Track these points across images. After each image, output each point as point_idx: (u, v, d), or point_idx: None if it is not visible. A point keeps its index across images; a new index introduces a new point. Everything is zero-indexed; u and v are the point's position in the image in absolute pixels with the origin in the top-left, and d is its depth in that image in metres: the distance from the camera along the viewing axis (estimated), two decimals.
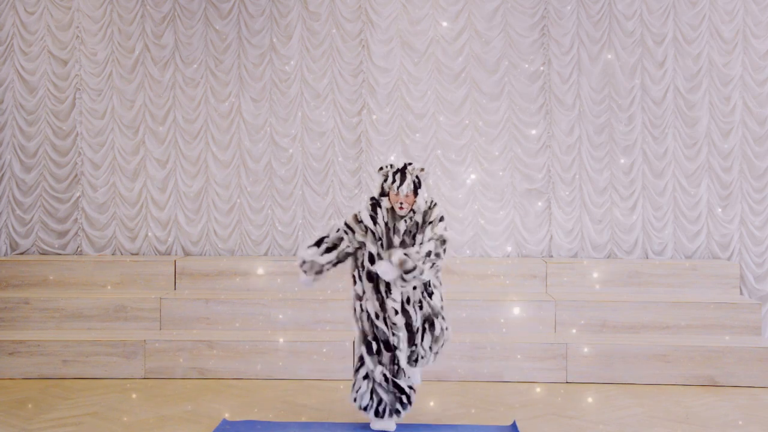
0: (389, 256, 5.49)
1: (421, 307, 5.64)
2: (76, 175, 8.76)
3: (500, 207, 8.64)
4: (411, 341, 5.62)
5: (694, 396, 6.76)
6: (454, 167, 8.64)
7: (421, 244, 5.54)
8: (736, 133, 8.51)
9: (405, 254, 5.41)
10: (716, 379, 7.06)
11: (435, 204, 5.68)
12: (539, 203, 8.62)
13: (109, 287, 8.15)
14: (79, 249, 8.75)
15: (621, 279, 8.14)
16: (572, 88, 8.59)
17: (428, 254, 5.43)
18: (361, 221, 5.65)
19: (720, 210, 8.50)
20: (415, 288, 5.59)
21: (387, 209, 5.67)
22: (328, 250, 5.66)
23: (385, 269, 5.43)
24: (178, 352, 7.22)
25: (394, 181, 5.60)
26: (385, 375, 5.59)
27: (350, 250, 5.68)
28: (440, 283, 5.77)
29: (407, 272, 5.38)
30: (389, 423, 5.71)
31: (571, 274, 8.15)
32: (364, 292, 5.65)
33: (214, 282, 8.18)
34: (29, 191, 8.75)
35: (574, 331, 7.56)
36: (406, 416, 5.95)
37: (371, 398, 5.67)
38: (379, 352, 5.61)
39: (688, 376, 7.08)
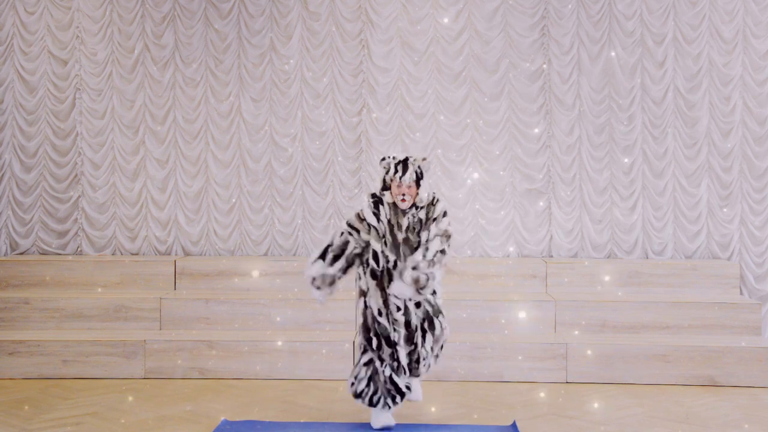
0: (400, 275, 5.46)
1: (419, 305, 5.64)
2: (76, 175, 8.76)
3: (500, 207, 8.64)
4: (410, 340, 5.62)
5: (694, 396, 6.76)
6: (454, 167, 8.64)
7: (426, 242, 5.54)
8: (736, 133, 8.51)
9: (414, 268, 5.41)
10: (716, 379, 7.06)
11: (438, 200, 5.69)
12: (540, 203, 8.62)
13: (109, 287, 8.15)
14: (79, 249, 8.75)
15: (621, 279, 8.14)
16: (572, 88, 8.59)
17: (436, 254, 5.46)
18: (364, 219, 5.64)
19: (726, 210, 8.48)
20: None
21: (389, 204, 5.66)
22: (336, 258, 5.61)
23: (400, 290, 5.46)
24: (178, 352, 7.22)
25: (396, 171, 5.60)
26: (384, 370, 5.62)
27: (358, 250, 5.66)
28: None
29: (422, 288, 5.42)
30: (388, 418, 5.72)
31: (571, 274, 8.15)
32: (368, 289, 5.64)
33: (214, 282, 8.18)
34: (29, 191, 8.75)
35: (575, 332, 7.56)
36: (407, 416, 5.96)
37: (367, 385, 5.68)
38: (379, 347, 5.63)
39: (688, 376, 7.08)
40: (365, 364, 5.69)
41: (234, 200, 8.76)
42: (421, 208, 5.66)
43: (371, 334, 5.65)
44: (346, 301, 7.50)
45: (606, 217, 8.60)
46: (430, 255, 5.47)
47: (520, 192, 8.64)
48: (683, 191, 8.55)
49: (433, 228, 5.60)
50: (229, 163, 8.76)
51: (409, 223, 5.63)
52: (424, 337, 5.67)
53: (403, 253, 5.60)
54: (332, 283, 5.62)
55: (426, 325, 5.68)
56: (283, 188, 8.74)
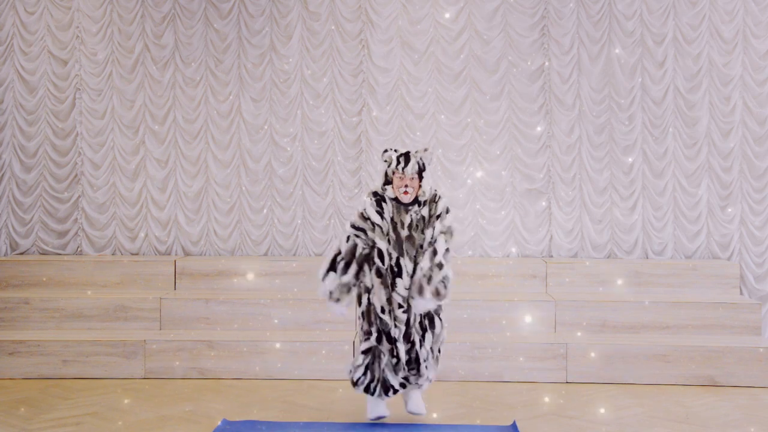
0: (417, 291, 5.48)
1: None
2: (76, 175, 8.76)
3: (500, 207, 8.64)
4: (407, 337, 5.62)
5: (694, 396, 6.76)
6: (455, 167, 8.64)
7: (432, 239, 5.57)
8: (736, 133, 8.51)
9: (428, 278, 5.45)
10: (716, 379, 7.06)
11: (440, 197, 5.69)
12: (541, 203, 8.62)
13: (109, 287, 8.15)
14: (79, 249, 8.75)
15: (621, 279, 8.13)
16: (572, 88, 8.59)
17: (445, 255, 5.54)
18: (368, 218, 5.63)
19: (730, 209, 8.48)
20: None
21: (391, 200, 5.65)
22: (347, 265, 5.60)
23: (424, 306, 5.53)
24: (178, 352, 7.22)
25: (398, 163, 5.60)
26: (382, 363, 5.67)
27: (366, 251, 5.64)
28: None
29: (444, 297, 5.51)
30: (382, 409, 5.76)
31: (571, 274, 8.15)
32: (372, 286, 5.64)
33: (213, 282, 8.18)
34: (29, 191, 8.75)
35: (575, 332, 7.55)
36: (407, 416, 5.96)
37: (364, 374, 5.70)
38: (379, 341, 5.64)
39: (688, 376, 7.08)
40: (363, 352, 5.72)
41: (234, 200, 8.76)
42: (424, 205, 5.66)
43: (372, 329, 5.66)
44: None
45: (606, 217, 8.60)
46: (439, 258, 5.51)
47: (520, 192, 8.64)
48: (683, 191, 8.55)
49: (438, 225, 5.62)
50: (229, 163, 8.76)
51: (412, 220, 5.62)
52: (423, 336, 5.66)
53: (407, 251, 5.60)
54: (349, 290, 5.60)
55: (426, 323, 5.68)
56: (283, 188, 8.74)
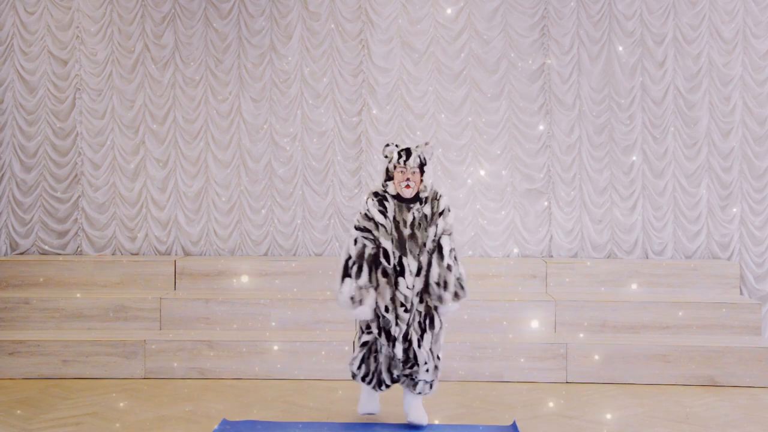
0: (438, 301, 5.60)
1: (421, 300, 5.65)
2: (76, 175, 8.76)
3: (500, 207, 8.64)
4: (405, 337, 5.64)
5: (694, 396, 6.76)
6: (455, 167, 8.64)
7: (435, 237, 5.61)
8: (736, 133, 8.51)
9: (438, 284, 5.55)
10: (716, 379, 7.06)
11: (441, 195, 5.70)
12: (542, 203, 8.61)
13: (109, 287, 8.15)
14: (79, 249, 8.75)
15: (621, 279, 8.14)
16: (572, 88, 8.59)
17: (452, 255, 5.63)
18: (371, 218, 5.62)
19: (726, 210, 8.48)
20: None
21: (393, 199, 5.64)
22: (360, 268, 5.57)
23: (449, 312, 5.67)
24: (178, 352, 7.22)
25: (400, 156, 5.60)
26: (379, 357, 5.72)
27: (374, 251, 5.62)
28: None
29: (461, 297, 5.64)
30: (374, 406, 5.86)
31: (571, 274, 8.15)
32: (377, 285, 5.64)
33: (213, 282, 8.18)
34: (29, 191, 8.74)
35: (575, 332, 7.55)
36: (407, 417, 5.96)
37: (359, 367, 5.76)
38: (379, 336, 5.67)
39: (688, 376, 7.08)
40: (361, 345, 5.78)
41: (234, 200, 8.76)
42: (425, 202, 5.66)
43: (373, 325, 5.66)
44: None
45: (606, 217, 8.60)
46: (447, 260, 5.58)
47: (521, 192, 8.64)
48: (683, 191, 8.55)
49: (440, 222, 5.63)
50: (229, 163, 8.76)
51: (414, 218, 5.62)
52: (422, 336, 5.65)
53: (410, 250, 5.59)
54: (368, 291, 5.57)
55: (427, 322, 5.68)
56: (283, 188, 8.74)
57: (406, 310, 5.59)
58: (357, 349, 5.82)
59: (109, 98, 8.75)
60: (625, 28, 8.53)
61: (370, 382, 5.78)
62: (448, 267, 5.58)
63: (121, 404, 6.42)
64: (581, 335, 7.46)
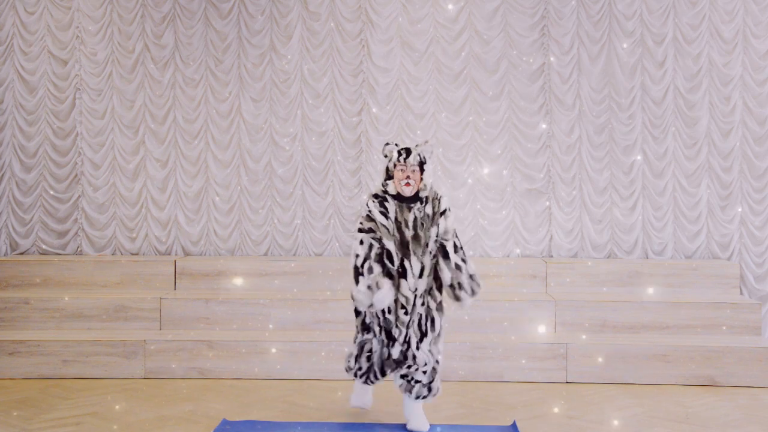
0: (455, 300, 5.68)
1: (423, 302, 5.64)
2: (76, 175, 8.76)
3: (501, 207, 8.64)
4: (404, 338, 5.63)
5: (694, 396, 6.76)
6: (455, 167, 8.64)
7: (438, 237, 5.63)
8: (736, 133, 8.50)
9: (452, 287, 5.63)
10: (716, 379, 7.06)
11: (441, 196, 5.72)
12: (543, 203, 8.61)
13: (109, 287, 8.15)
14: (79, 249, 8.75)
15: (621, 279, 8.14)
16: (572, 88, 8.59)
17: (461, 253, 5.68)
18: (373, 219, 5.61)
19: (739, 209, 8.47)
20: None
21: (393, 199, 5.64)
22: (371, 265, 5.51)
23: (469, 305, 5.75)
24: (178, 352, 7.22)
25: (400, 155, 5.61)
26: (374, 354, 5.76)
27: (380, 251, 5.59)
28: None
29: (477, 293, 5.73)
30: (366, 400, 5.91)
31: (571, 274, 8.15)
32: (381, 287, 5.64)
33: (213, 282, 8.18)
34: (29, 191, 8.74)
35: (575, 332, 7.55)
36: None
37: (354, 362, 5.81)
38: (378, 334, 5.68)
39: (688, 376, 7.08)
40: (358, 344, 5.82)
41: (234, 200, 8.76)
42: (426, 202, 5.66)
43: (374, 322, 5.66)
44: (346, 301, 7.48)
45: (606, 217, 8.60)
46: (455, 260, 5.63)
47: (521, 192, 8.64)
48: (683, 191, 8.55)
49: (442, 222, 5.64)
50: (229, 163, 8.76)
51: (416, 218, 5.62)
52: (421, 339, 5.63)
53: (414, 251, 5.58)
54: (382, 276, 5.50)
55: (428, 325, 5.66)
56: (283, 188, 8.74)
57: (405, 313, 5.59)
58: (353, 346, 5.85)
59: (109, 98, 8.75)
60: (625, 28, 8.53)
61: (361, 377, 5.84)
62: (457, 267, 5.63)
63: (121, 404, 6.42)
64: (581, 335, 7.46)
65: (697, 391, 6.91)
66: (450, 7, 8.60)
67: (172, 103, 8.75)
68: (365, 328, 5.75)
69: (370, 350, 5.75)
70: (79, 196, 8.76)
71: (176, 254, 8.73)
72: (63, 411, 6.24)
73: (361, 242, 5.56)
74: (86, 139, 8.75)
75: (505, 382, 7.10)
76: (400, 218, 5.61)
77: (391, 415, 6.07)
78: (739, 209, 8.50)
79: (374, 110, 8.65)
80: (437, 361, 5.72)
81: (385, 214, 5.61)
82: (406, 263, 5.56)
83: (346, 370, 5.94)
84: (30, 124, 8.74)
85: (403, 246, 5.58)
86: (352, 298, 5.58)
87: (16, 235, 8.72)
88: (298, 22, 8.70)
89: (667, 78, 8.53)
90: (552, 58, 8.58)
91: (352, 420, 5.99)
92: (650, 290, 8.05)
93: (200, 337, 7.34)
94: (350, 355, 5.88)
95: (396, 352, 5.62)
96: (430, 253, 5.64)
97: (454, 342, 7.03)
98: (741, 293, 8.27)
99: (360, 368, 5.80)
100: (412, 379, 5.66)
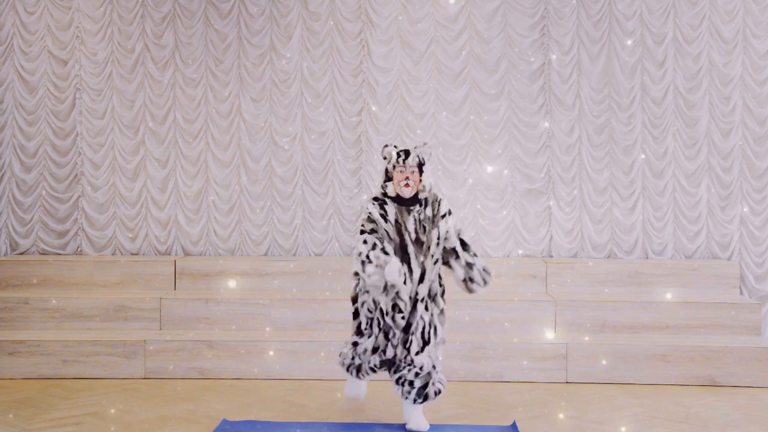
0: (469, 292, 5.82)
1: (427, 308, 5.62)
2: (76, 175, 8.76)
3: (501, 207, 8.64)
4: (404, 343, 5.60)
5: (694, 396, 6.76)
6: (455, 167, 8.64)
7: (439, 238, 5.62)
8: (736, 133, 8.50)
9: (464, 281, 5.73)
10: (716, 379, 7.06)
11: (441, 199, 5.72)
12: (543, 203, 8.61)
13: (109, 287, 8.15)
14: (79, 249, 8.75)
15: (621, 279, 8.13)
16: (572, 88, 8.59)
17: (467, 249, 5.77)
18: (374, 221, 5.60)
19: (726, 210, 8.48)
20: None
21: (393, 202, 5.63)
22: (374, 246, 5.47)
23: (482, 291, 5.87)
24: (178, 352, 7.22)
25: (399, 156, 5.61)
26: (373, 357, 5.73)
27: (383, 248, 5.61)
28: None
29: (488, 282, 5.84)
30: (360, 391, 5.90)
31: (571, 274, 8.15)
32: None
33: (213, 282, 8.18)
34: (29, 191, 8.75)
35: (576, 332, 7.55)
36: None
37: (350, 358, 5.80)
38: (376, 336, 5.65)
39: (688, 376, 7.08)
40: (352, 344, 5.79)
41: (234, 200, 8.76)
42: (426, 205, 5.65)
43: (373, 323, 5.65)
44: (346, 301, 7.47)
45: (606, 217, 8.60)
46: (465, 258, 5.73)
47: (521, 192, 8.64)
48: (683, 191, 8.55)
49: (442, 224, 5.63)
50: (229, 163, 8.76)
51: (416, 221, 5.61)
52: (423, 348, 5.59)
53: (415, 255, 5.55)
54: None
55: (430, 332, 5.62)
56: (283, 188, 8.74)
57: (403, 317, 5.57)
58: (347, 345, 5.83)
59: (109, 98, 8.76)
60: (625, 28, 8.53)
61: (356, 373, 5.80)
62: (468, 264, 5.71)
63: (121, 404, 6.42)
64: (581, 335, 7.46)
65: (697, 391, 6.91)
66: (451, 1, 8.60)
67: (172, 103, 8.75)
68: (359, 332, 5.72)
69: (365, 350, 5.72)
70: (79, 196, 8.76)
71: (176, 254, 8.73)
72: (63, 411, 6.24)
73: (365, 242, 5.51)
74: (86, 139, 8.75)
75: (505, 382, 7.10)
76: (399, 221, 5.60)
77: (391, 415, 6.07)
78: (739, 209, 8.50)
79: (374, 110, 8.65)
80: (434, 366, 5.64)
81: (384, 217, 5.60)
82: (405, 268, 5.53)
83: (340, 365, 5.89)
84: (30, 124, 8.74)
85: (403, 250, 5.56)
86: (353, 300, 5.62)
87: (16, 235, 8.72)
88: (298, 22, 8.70)
89: (667, 78, 8.53)
90: (552, 58, 8.58)
91: (352, 420, 5.99)
92: (650, 290, 8.04)
93: (200, 337, 7.34)
94: (345, 345, 5.87)
95: (390, 353, 5.61)
96: (432, 256, 5.63)
97: (454, 342, 7.03)
98: (741, 293, 8.27)
99: (351, 365, 5.78)
100: (406, 381, 5.60)
